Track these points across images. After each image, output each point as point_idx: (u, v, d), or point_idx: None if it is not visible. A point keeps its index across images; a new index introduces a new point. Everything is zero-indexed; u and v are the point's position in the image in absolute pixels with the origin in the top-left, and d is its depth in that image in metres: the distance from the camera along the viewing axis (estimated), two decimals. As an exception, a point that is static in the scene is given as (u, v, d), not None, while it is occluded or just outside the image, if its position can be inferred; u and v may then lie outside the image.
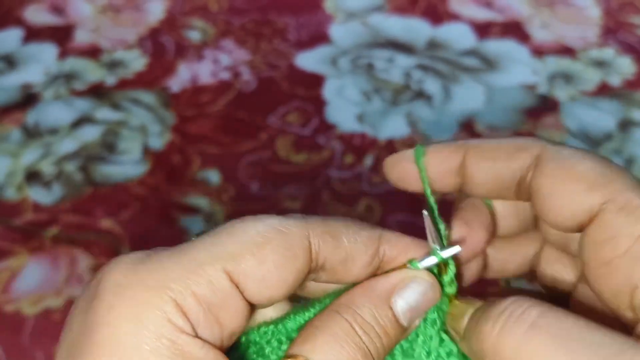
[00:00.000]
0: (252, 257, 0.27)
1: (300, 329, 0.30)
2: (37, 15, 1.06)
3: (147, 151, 0.84)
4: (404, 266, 0.31)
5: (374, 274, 0.31)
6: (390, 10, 1.06)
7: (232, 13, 1.06)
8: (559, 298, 0.35)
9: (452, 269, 0.31)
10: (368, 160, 0.82)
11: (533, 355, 0.25)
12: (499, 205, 0.35)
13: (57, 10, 1.07)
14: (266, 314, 0.33)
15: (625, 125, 0.86)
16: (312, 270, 0.30)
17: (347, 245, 0.30)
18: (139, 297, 0.25)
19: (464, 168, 0.33)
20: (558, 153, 0.31)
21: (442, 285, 0.31)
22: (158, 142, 0.85)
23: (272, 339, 0.30)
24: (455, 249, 0.31)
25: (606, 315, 0.31)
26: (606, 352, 0.24)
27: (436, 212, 0.32)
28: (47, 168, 0.82)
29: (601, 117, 0.87)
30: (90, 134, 0.87)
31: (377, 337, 0.28)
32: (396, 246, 0.31)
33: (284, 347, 0.30)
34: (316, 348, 0.27)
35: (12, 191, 0.80)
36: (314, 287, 0.33)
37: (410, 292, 0.30)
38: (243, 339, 0.31)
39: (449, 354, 0.31)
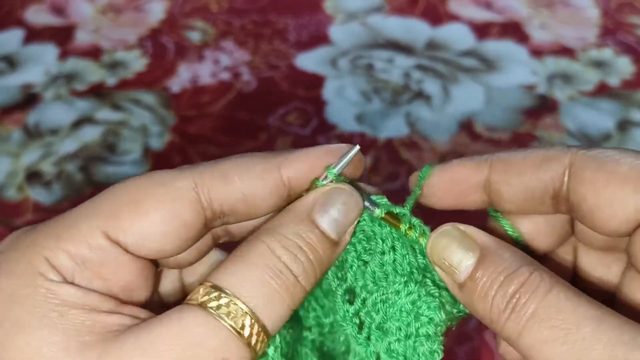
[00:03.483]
0: (129, 214, 0.28)
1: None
2: (38, 16, 1.07)
3: (147, 151, 0.84)
4: (314, 186, 0.31)
5: (291, 201, 0.31)
6: (390, 11, 1.06)
7: (232, 14, 1.06)
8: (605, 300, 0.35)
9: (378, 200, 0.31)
10: (367, 160, 0.82)
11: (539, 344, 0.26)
12: (530, 225, 0.33)
13: (58, 11, 1.08)
14: (196, 269, 0.34)
15: (624, 125, 0.86)
16: (211, 219, 0.30)
17: (240, 184, 0.30)
18: (12, 256, 0.28)
19: (489, 184, 0.32)
20: (591, 157, 0.30)
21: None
22: (158, 142, 0.85)
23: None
24: (355, 149, 0.31)
25: None
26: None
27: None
28: (47, 168, 0.83)
29: (600, 117, 0.87)
30: (90, 134, 0.87)
31: (301, 253, 0.28)
32: (301, 170, 0.31)
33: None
34: (234, 276, 0.27)
35: (13, 191, 0.80)
36: (238, 229, 0.33)
37: (331, 205, 0.30)
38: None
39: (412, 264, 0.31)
